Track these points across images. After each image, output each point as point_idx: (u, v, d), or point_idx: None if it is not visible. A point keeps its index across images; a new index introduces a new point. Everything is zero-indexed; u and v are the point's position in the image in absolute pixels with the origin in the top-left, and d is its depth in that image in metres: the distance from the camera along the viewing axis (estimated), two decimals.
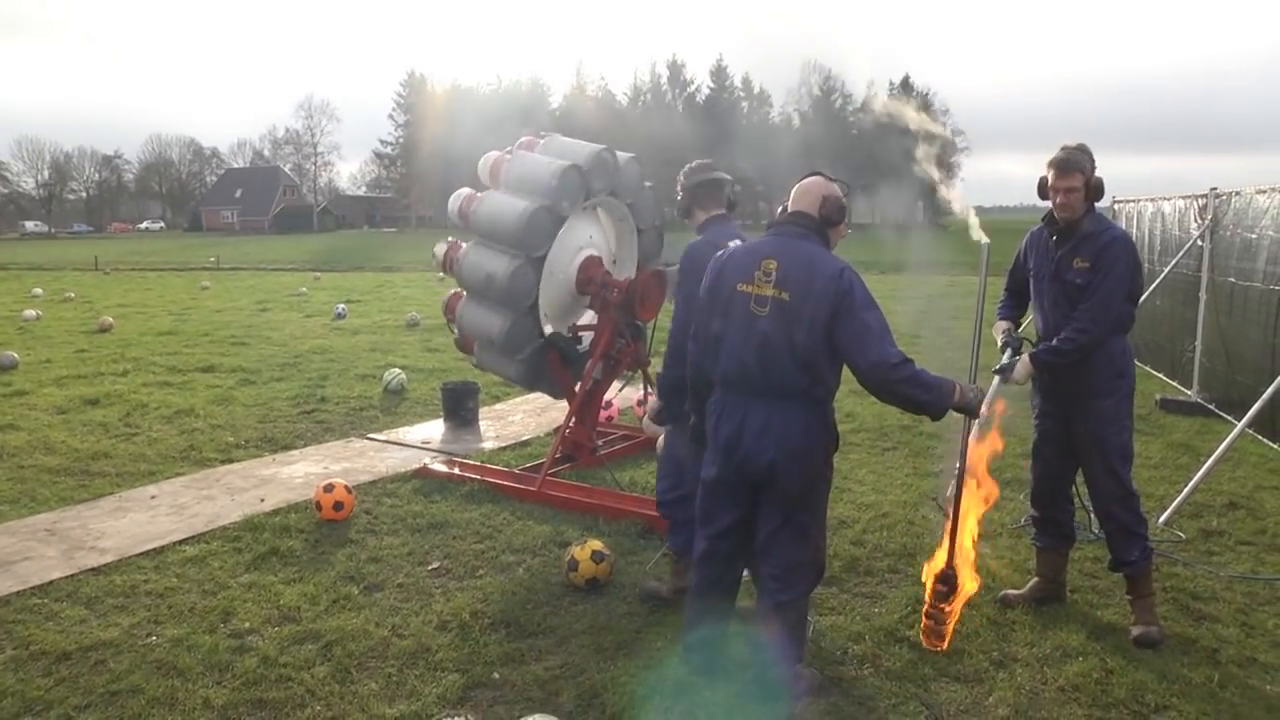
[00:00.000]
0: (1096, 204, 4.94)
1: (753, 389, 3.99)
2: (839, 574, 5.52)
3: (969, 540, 4.94)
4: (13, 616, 5.12)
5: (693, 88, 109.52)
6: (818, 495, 4.15)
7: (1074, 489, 5.23)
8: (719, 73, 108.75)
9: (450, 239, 7.72)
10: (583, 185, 7.24)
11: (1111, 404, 4.93)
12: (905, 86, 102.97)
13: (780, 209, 4.26)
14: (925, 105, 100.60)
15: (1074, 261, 4.88)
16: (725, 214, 5.25)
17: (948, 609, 4.54)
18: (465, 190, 7.66)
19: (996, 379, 5.39)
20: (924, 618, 4.61)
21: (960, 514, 4.71)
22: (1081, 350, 4.83)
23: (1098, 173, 4.85)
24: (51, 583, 5.58)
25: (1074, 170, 4.80)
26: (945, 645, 4.56)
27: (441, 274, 7.89)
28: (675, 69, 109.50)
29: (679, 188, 5.27)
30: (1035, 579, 5.28)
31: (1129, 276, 4.86)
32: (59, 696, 4.29)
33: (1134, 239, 5.07)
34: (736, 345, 3.99)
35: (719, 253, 4.24)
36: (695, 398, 4.39)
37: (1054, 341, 4.89)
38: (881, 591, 5.36)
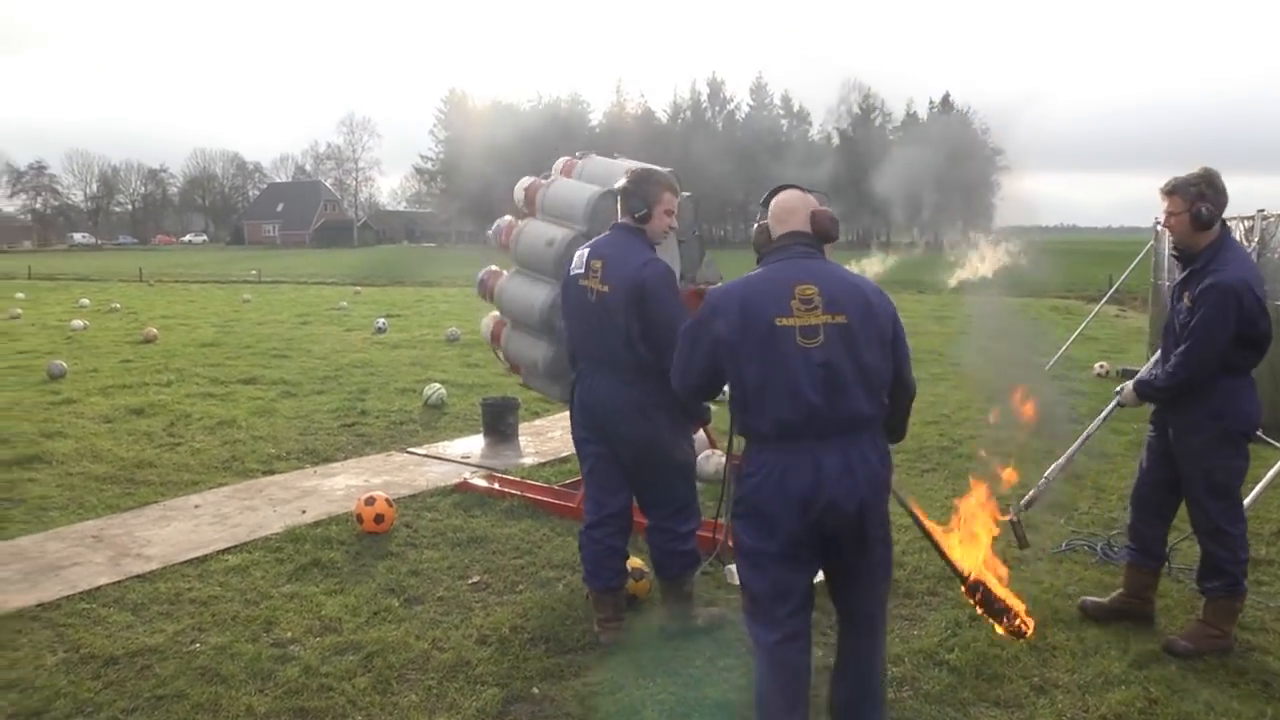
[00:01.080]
0: (1216, 233, 4.79)
1: (820, 430, 3.50)
2: None
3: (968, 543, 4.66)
4: (63, 620, 5.23)
5: (732, 105, 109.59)
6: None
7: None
8: (758, 90, 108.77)
9: (493, 266, 7.76)
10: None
11: (1199, 442, 4.83)
12: (945, 104, 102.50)
13: (759, 229, 3.84)
14: (965, 123, 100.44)
15: (1184, 295, 4.82)
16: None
17: (1000, 602, 4.34)
18: (506, 219, 7.70)
19: (1115, 400, 5.40)
20: (997, 624, 4.29)
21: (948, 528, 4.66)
22: (1173, 391, 4.84)
23: (1206, 203, 4.70)
24: (99, 588, 5.68)
25: (1173, 193, 4.76)
26: (1030, 628, 4.23)
27: (480, 297, 7.93)
28: (715, 86, 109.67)
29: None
30: (1118, 591, 5.30)
31: (1227, 323, 4.63)
32: (108, 699, 4.37)
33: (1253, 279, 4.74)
34: (792, 386, 3.47)
35: (720, 290, 3.76)
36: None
37: (1155, 375, 4.95)
38: (920, 614, 5.33)
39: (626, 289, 4.69)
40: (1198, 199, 4.70)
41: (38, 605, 5.42)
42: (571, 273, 4.99)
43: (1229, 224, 4.95)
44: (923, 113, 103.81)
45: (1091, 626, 5.10)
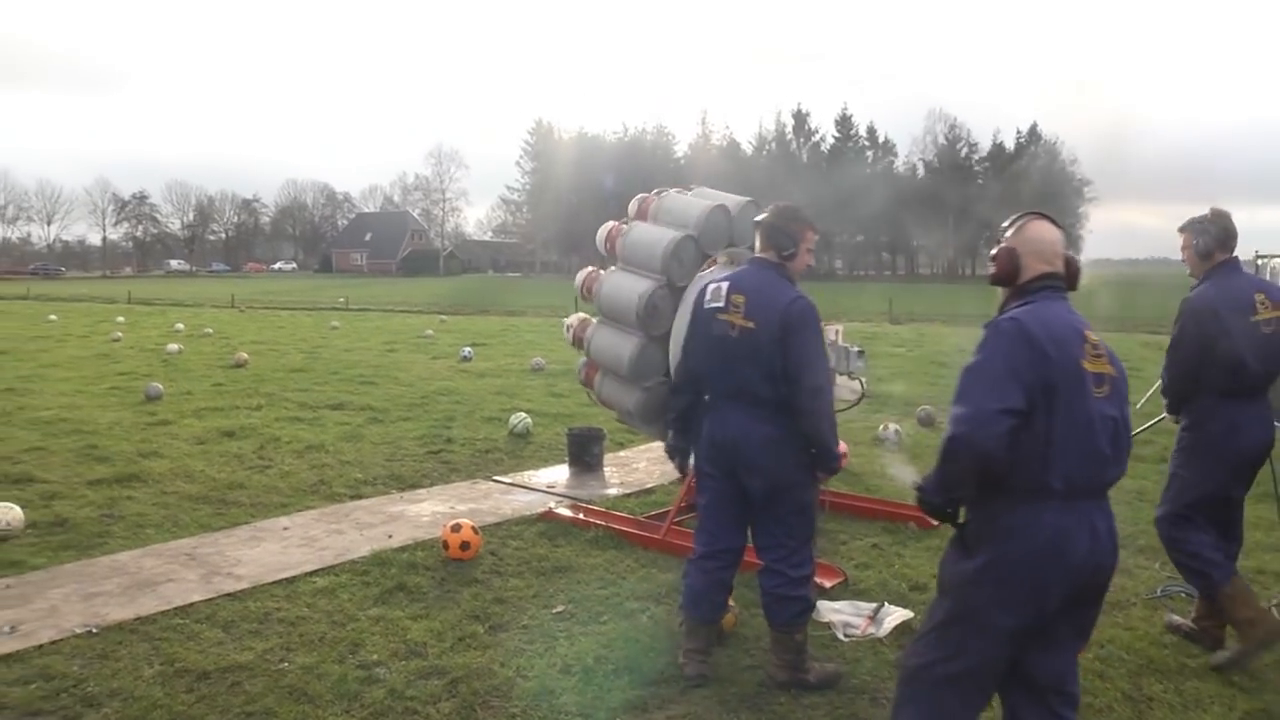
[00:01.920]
0: (1214, 261, 5.22)
1: (1100, 487, 3.23)
2: None
3: None
4: (159, 634, 5.35)
5: (817, 136, 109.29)
6: None
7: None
8: (844, 122, 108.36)
9: (581, 315, 7.83)
10: (697, 253, 7.16)
11: (1176, 455, 5.39)
12: (1033, 135, 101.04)
13: (1006, 253, 3.40)
14: (1052, 153, 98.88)
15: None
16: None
17: None
18: (589, 269, 7.74)
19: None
20: None
21: None
22: (1168, 406, 5.46)
23: (1206, 236, 5.19)
24: (192, 605, 5.79)
25: (1183, 230, 5.29)
26: None
27: (570, 345, 7.98)
28: (800, 118, 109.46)
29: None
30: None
31: (1184, 339, 5.14)
32: (200, 713, 4.45)
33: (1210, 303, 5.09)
34: (1089, 439, 3.13)
35: (1032, 319, 3.22)
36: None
37: None
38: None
39: (773, 325, 4.59)
40: (1200, 234, 5.19)
41: (135, 619, 5.55)
42: (707, 305, 4.86)
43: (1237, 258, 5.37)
44: (1009, 143, 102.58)
45: (1192, 678, 4.93)
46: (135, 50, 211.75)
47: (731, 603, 5.32)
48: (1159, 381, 5.62)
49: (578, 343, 7.74)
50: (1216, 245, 5.16)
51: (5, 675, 4.82)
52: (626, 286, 7.19)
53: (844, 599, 5.82)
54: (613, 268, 7.56)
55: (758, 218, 4.97)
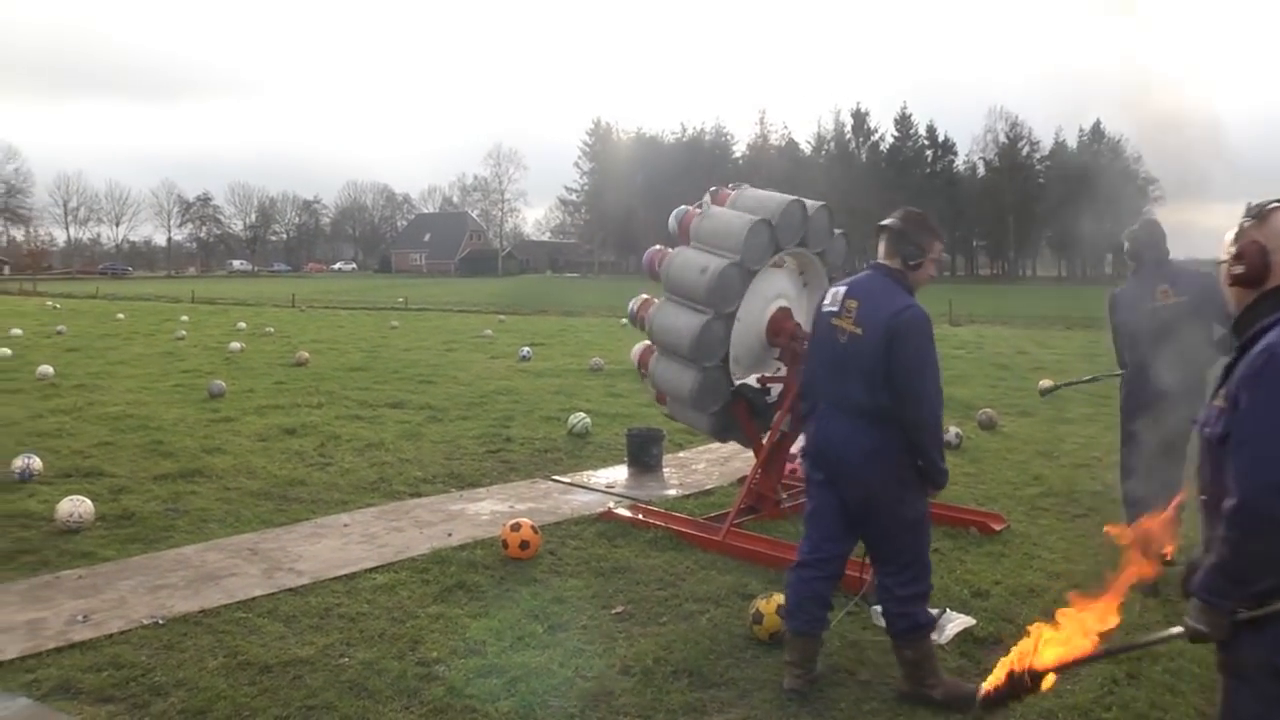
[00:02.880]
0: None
1: None
2: None
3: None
4: (222, 627, 5.43)
5: (876, 135, 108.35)
6: None
7: None
8: (903, 121, 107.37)
9: (644, 295, 7.82)
10: (772, 240, 7.24)
11: None
12: (1096, 133, 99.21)
13: (1255, 249, 2.67)
14: (1115, 152, 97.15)
15: None
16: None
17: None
18: (656, 247, 7.77)
19: None
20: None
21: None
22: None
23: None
24: (254, 599, 5.88)
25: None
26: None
27: (632, 326, 7.98)
28: (859, 117, 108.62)
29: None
30: None
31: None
32: (262, 705, 4.51)
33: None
34: None
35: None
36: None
37: None
38: (1073, 667, 5.11)
39: (881, 333, 4.50)
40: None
41: (200, 611, 5.65)
42: (824, 309, 4.81)
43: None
44: (1072, 140, 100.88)
45: None
46: (201, 57, 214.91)
47: None
48: None
49: (640, 322, 7.73)
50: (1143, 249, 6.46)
51: (80, 662, 4.96)
52: (699, 261, 7.20)
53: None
54: (683, 246, 7.56)
55: (884, 222, 4.82)
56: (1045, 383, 8.15)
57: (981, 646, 5.22)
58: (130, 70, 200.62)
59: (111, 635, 5.29)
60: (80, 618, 5.53)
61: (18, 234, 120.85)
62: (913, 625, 4.67)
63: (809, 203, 7.52)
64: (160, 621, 5.49)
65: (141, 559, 6.65)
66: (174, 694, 4.62)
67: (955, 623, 5.45)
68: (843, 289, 4.76)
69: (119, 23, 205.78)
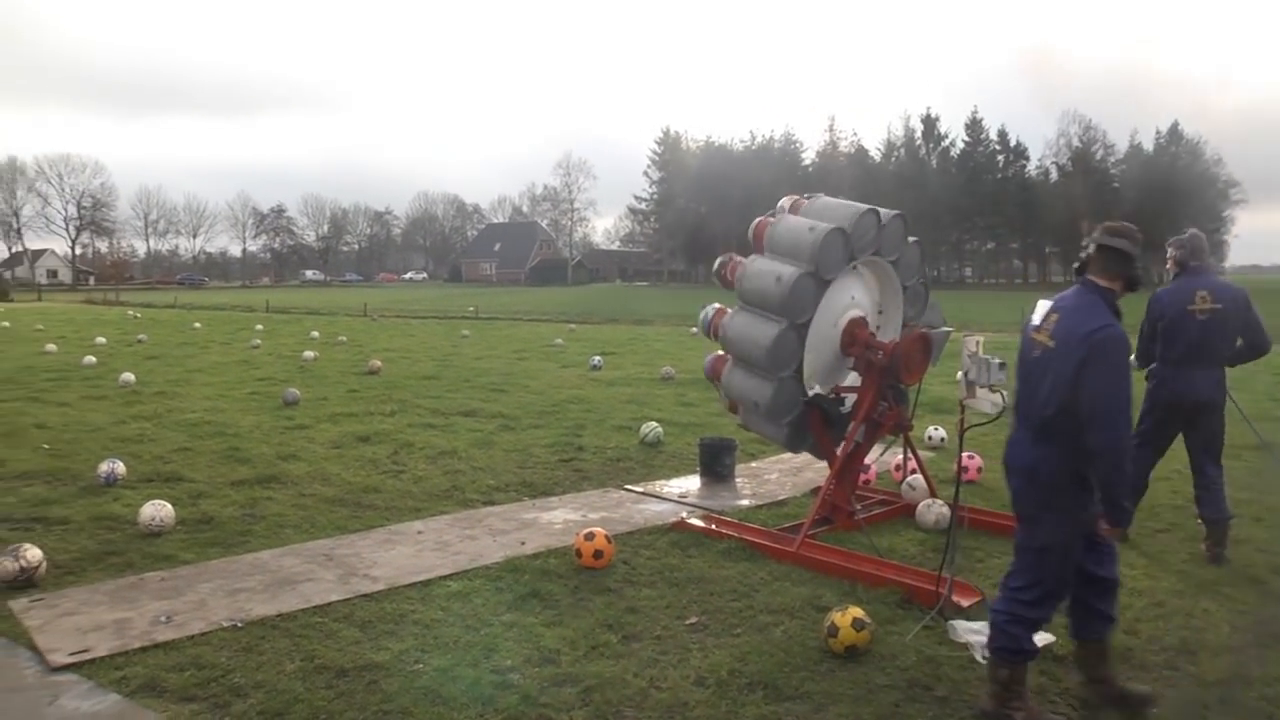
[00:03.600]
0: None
1: None
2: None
3: None
4: (299, 631, 5.50)
5: (947, 141, 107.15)
6: None
7: None
8: (974, 125, 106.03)
9: (717, 304, 7.79)
10: (846, 248, 7.18)
11: None
12: (1174, 135, 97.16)
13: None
14: (1195, 154, 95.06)
15: None
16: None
17: None
18: (728, 255, 7.74)
19: None
20: None
21: None
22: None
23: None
24: (330, 604, 5.94)
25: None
26: None
27: (704, 335, 7.96)
28: (929, 123, 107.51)
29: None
30: None
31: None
32: (339, 709, 4.56)
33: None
34: None
35: None
36: None
37: None
38: (1158, 690, 4.97)
39: (1072, 349, 4.34)
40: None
41: (277, 615, 5.73)
42: (1031, 322, 4.72)
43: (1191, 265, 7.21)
44: (1148, 143, 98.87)
45: None
46: (275, 73, 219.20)
47: (868, 620, 5.22)
48: None
49: (713, 331, 7.70)
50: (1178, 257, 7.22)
51: (164, 661, 5.07)
52: (773, 270, 7.17)
53: (981, 619, 5.64)
54: (756, 255, 7.53)
55: (1098, 238, 4.63)
56: None
57: (1061, 665, 5.09)
58: (207, 88, 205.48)
59: (193, 636, 5.40)
60: (163, 618, 5.65)
61: (102, 246, 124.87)
62: (1016, 648, 4.55)
63: (883, 211, 7.47)
64: (239, 624, 5.57)
65: (220, 563, 6.77)
66: (253, 695, 4.69)
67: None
68: (1049, 303, 4.68)
69: (196, 44, 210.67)
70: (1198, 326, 6.97)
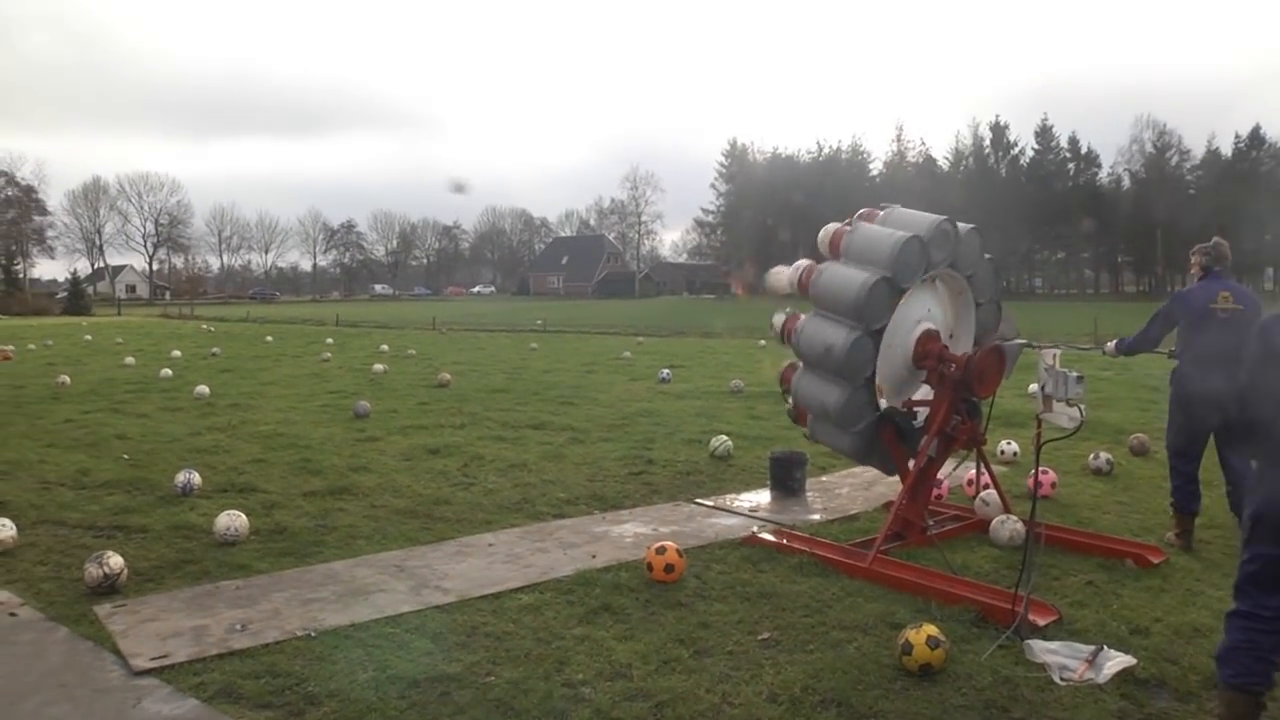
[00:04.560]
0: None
1: None
2: (1196, 689, 4.93)
3: None
4: (371, 641, 5.54)
5: (1016, 149, 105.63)
6: None
7: None
8: (1044, 133, 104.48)
9: (789, 310, 7.75)
10: (923, 257, 7.13)
11: None
12: (1254, 139, 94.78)
13: None
14: (1277, 159, 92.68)
15: None
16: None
17: None
18: (804, 261, 7.71)
19: None
20: None
21: None
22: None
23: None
24: (401, 615, 5.98)
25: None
26: None
27: (777, 342, 7.92)
28: (998, 131, 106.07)
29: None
30: None
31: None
32: None
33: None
34: None
35: None
36: None
37: None
38: None
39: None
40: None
41: (350, 625, 5.79)
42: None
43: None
44: (1226, 148, 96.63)
45: None
46: (345, 89, 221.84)
47: (943, 638, 5.14)
48: None
49: (786, 336, 7.66)
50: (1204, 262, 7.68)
51: (240, 669, 5.14)
52: (849, 275, 7.13)
53: (1059, 639, 5.54)
54: (830, 261, 7.50)
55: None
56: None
57: (1144, 688, 4.95)
58: (278, 109, 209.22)
59: (268, 644, 5.47)
60: (239, 626, 5.74)
61: (178, 261, 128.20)
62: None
63: (961, 225, 7.42)
64: (313, 633, 5.63)
65: (294, 572, 6.85)
66: (327, 704, 4.73)
67: (1114, 661, 5.18)
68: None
69: (268, 68, 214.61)
70: (1219, 325, 7.37)
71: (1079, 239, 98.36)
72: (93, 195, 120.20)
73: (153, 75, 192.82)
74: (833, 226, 7.69)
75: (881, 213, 7.69)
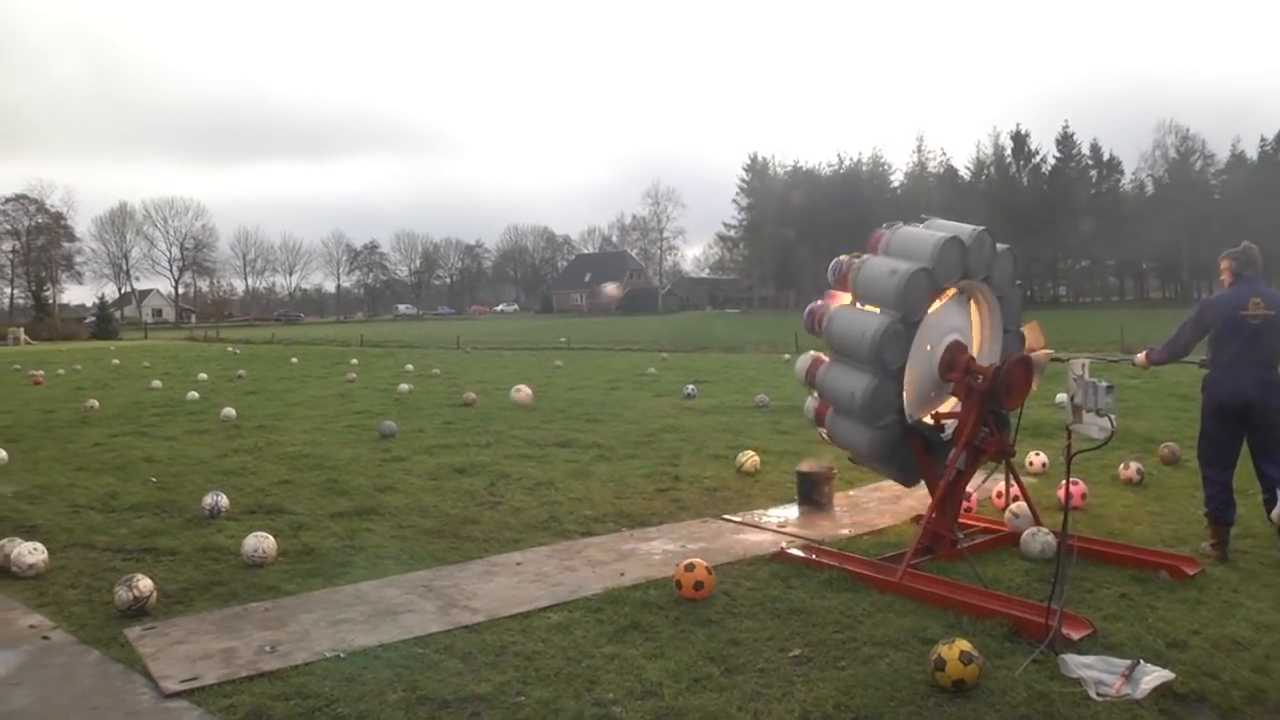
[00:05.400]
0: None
1: None
2: (1239, 705, 4.84)
3: None
4: (400, 661, 5.54)
5: (1038, 158, 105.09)
6: None
7: None
8: (1065, 140, 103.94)
9: (819, 301, 7.73)
10: (962, 260, 7.16)
11: None
12: None
13: None
14: None
15: None
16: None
17: None
18: (844, 257, 7.70)
19: None
20: None
21: None
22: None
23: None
24: (431, 635, 5.97)
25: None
26: None
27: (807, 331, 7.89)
28: (1019, 139, 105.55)
29: None
30: None
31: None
32: None
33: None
34: None
35: None
36: None
37: None
38: None
39: None
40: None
41: (379, 645, 5.79)
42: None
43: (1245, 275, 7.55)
44: (1251, 151, 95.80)
45: None
46: (365, 115, 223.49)
47: (976, 654, 5.08)
48: None
49: (816, 324, 7.63)
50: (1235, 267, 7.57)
51: (269, 690, 5.15)
52: (891, 265, 7.19)
53: (1093, 653, 5.46)
54: (874, 256, 7.52)
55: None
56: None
57: (1184, 704, 4.85)
58: (299, 133, 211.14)
59: (297, 666, 5.48)
60: (268, 648, 5.75)
61: (203, 285, 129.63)
62: None
63: (998, 244, 7.48)
64: (342, 654, 5.63)
65: (322, 593, 6.86)
66: None
67: (1151, 676, 5.06)
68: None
69: (288, 94, 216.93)
70: (1250, 330, 7.32)
71: (1102, 246, 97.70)
72: (119, 221, 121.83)
73: (176, 102, 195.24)
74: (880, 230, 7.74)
75: (923, 223, 7.75)
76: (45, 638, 6.06)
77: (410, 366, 30.95)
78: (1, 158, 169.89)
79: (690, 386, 20.84)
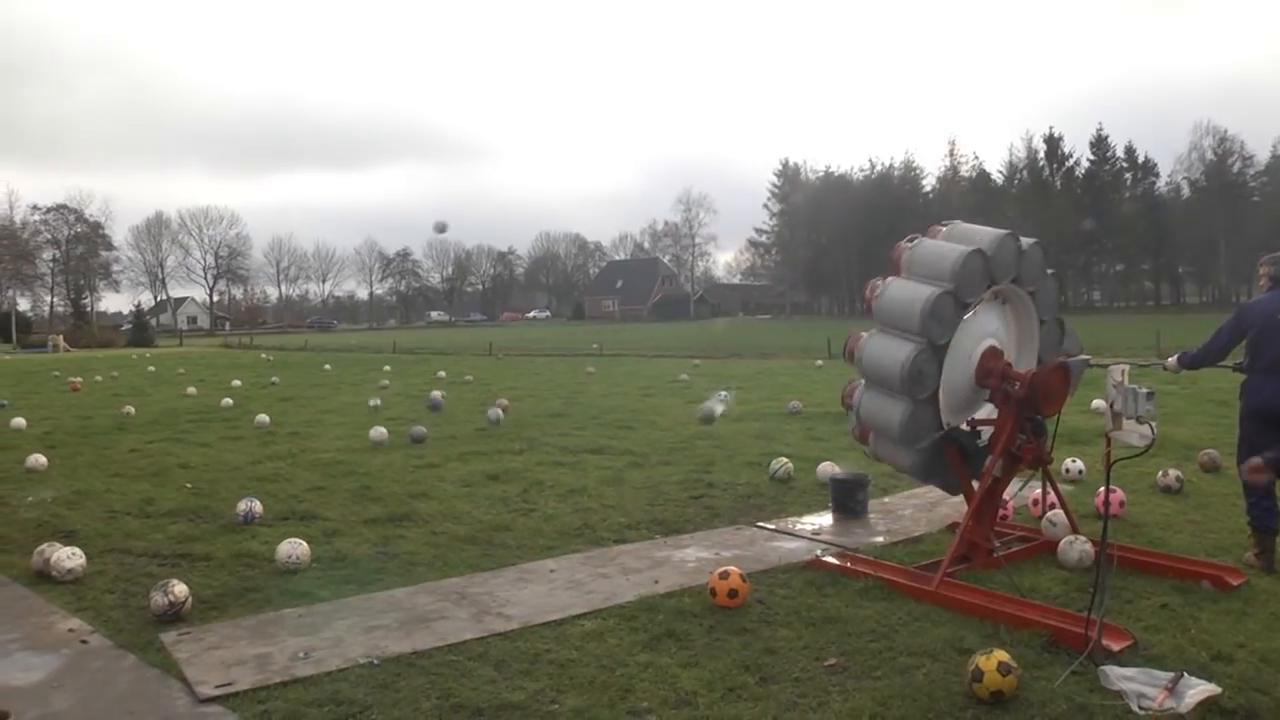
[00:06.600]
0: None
1: None
2: None
3: None
4: (434, 669, 5.53)
5: (1071, 161, 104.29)
6: None
7: None
8: (1099, 143, 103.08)
9: (851, 330, 7.70)
10: (986, 271, 7.06)
11: None
12: None
13: None
14: None
15: None
16: None
17: None
18: (874, 280, 7.66)
19: None
20: None
21: None
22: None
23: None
24: (464, 642, 5.96)
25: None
26: None
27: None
28: (1052, 143, 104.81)
29: None
30: None
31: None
32: None
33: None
34: None
35: None
36: None
37: None
38: None
39: None
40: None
41: (412, 653, 5.77)
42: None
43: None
44: None
45: None
46: (397, 123, 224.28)
47: (1014, 664, 5.01)
48: None
49: (850, 355, 7.57)
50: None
51: (303, 696, 5.16)
52: (912, 289, 7.12)
53: (1135, 664, 5.36)
54: (893, 277, 7.46)
55: None
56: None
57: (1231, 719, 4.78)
58: (333, 140, 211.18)
59: (331, 673, 5.48)
60: (302, 654, 5.76)
61: (237, 292, 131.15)
62: None
63: (1024, 240, 7.34)
64: (375, 661, 5.63)
65: (355, 600, 6.86)
66: None
67: (1196, 689, 4.92)
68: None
69: (322, 104, 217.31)
70: None
71: (1138, 250, 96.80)
72: (155, 230, 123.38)
73: (209, 111, 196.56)
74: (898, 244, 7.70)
75: (944, 229, 7.65)
76: (84, 641, 6.11)
77: (443, 373, 31.14)
78: (43, 169, 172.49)
79: (723, 393, 20.67)
